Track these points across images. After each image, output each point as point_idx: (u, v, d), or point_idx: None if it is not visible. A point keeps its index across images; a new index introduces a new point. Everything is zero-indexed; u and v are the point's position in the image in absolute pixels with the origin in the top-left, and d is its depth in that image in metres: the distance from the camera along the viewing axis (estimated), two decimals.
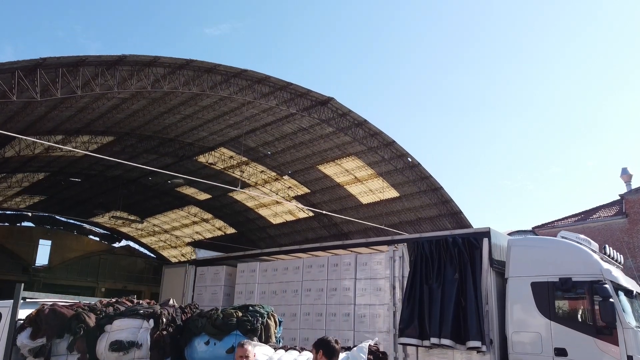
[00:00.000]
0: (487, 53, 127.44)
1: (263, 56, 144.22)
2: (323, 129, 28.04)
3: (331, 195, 35.30)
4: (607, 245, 13.43)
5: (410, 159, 29.76)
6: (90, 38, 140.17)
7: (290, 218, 39.02)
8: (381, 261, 17.54)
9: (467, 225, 31.90)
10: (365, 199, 34.48)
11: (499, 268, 14.67)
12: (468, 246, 15.60)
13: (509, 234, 36.47)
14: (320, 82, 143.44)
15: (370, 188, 33.37)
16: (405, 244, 17.04)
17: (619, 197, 43.85)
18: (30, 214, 46.69)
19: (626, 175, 47.44)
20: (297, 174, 33.97)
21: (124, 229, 49.11)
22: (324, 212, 29.66)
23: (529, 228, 47.23)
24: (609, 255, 13.13)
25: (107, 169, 35.43)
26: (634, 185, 46.66)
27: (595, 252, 13.26)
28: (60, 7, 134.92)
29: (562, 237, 13.55)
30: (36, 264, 46.30)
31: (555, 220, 46.06)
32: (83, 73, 17.33)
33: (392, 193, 32.91)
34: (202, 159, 33.33)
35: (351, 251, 17.62)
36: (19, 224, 46.71)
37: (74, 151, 30.61)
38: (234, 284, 20.96)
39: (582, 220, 44.02)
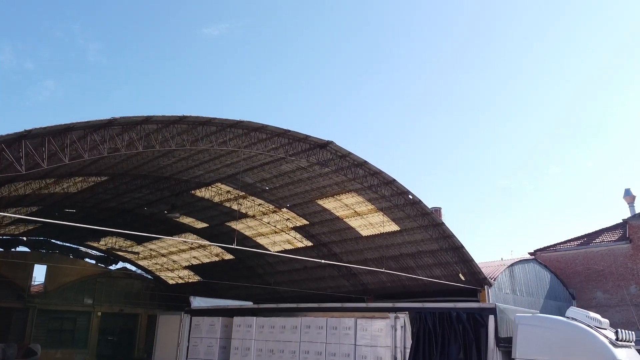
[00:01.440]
0: (487, 55, 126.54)
1: (263, 56, 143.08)
2: (322, 168, 27.38)
3: (330, 227, 34.68)
4: (619, 330, 12.85)
5: (411, 197, 29.12)
6: (88, 38, 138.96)
7: (289, 247, 38.37)
8: (382, 329, 16.90)
9: (469, 259, 31.30)
10: (365, 232, 33.85)
11: (506, 346, 14.03)
12: (473, 323, 14.93)
13: (512, 265, 35.89)
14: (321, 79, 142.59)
15: (370, 222, 32.74)
16: (407, 313, 16.40)
17: (622, 221, 43.27)
18: (24, 238, 46.00)
19: (629, 196, 46.81)
20: (295, 207, 33.33)
21: (121, 252, 48.43)
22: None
23: (531, 251, 46.76)
24: (621, 339, 12.58)
25: (101, 202, 34.76)
26: (637, 207, 46.02)
27: (606, 332, 12.71)
28: (58, 8, 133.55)
29: (572, 318, 13.01)
30: (31, 290, 45.62)
31: (557, 244, 45.55)
32: (71, 137, 16.59)
33: (393, 227, 32.28)
34: (198, 193, 32.67)
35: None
36: (13, 249, 45.97)
37: (67, 188, 29.94)
38: (230, 337, 20.37)
39: (584, 244, 43.46)
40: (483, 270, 33.39)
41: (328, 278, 39.08)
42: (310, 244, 36.95)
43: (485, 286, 32.08)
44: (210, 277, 46.63)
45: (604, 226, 43.40)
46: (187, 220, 38.25)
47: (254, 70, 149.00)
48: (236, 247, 23.28)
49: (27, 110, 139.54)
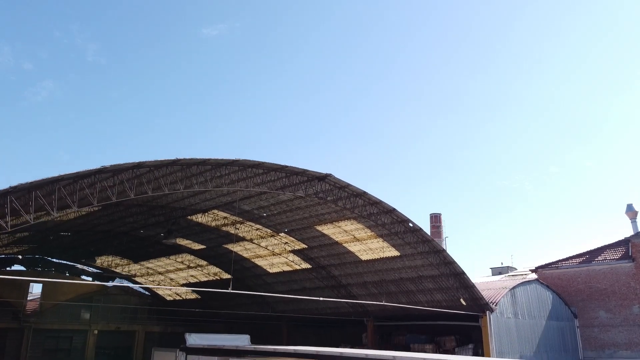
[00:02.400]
0: (487, 57, 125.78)
1: (261, 56, 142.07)
2: (320, 195, 26.77)
3: (329, 251, 34.11)
4: None
5: (411, 224, 28.54)
6: (87, 39, 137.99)
7: (287, 268, 37.81)
8: None
9: (470, 285, 30.75)
10: (364, 256, 33.28)
11: None
12: None
13: (513, 288, 35.27)
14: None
15: (369, 247, 32.17)
16: None
17: (624, 238, 42.75)
18: (20, 256, 45.37)
19: (631, 212, 46.26)
20: (293, 232, 32.75)
21: (118, 269, 47.84)
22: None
23: (533, 267, 46.24)
24: None
25: (96, 226, 34.14)
26: (639, 223, 45.45)
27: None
28: (57, 8, 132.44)
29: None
30: (27, 309, 45.01)
31: (559, 261, 45.00)
32: (59, 190, 15.97)
33: (393, 252, 31.72)
34: (194, 218, 32.06)
35: None
36: (8, 268, 45.33)
37: (60, 217, 29.31)
38: None
39: (586, 262, 42.91)
40: (484, 293, 32.87)
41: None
42: (308, 266, 36.40)
43: (487, 312, 31.59)
44: (209, 295, 46.11)
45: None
46: (184, 242, 37.65)
47: (253, 70, 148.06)
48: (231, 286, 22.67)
49: (25, 111, 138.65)
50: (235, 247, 36.47)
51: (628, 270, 40.05)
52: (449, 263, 30.61)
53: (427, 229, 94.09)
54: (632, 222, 45.37)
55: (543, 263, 45.07)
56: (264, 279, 40.37)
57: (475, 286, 30.91)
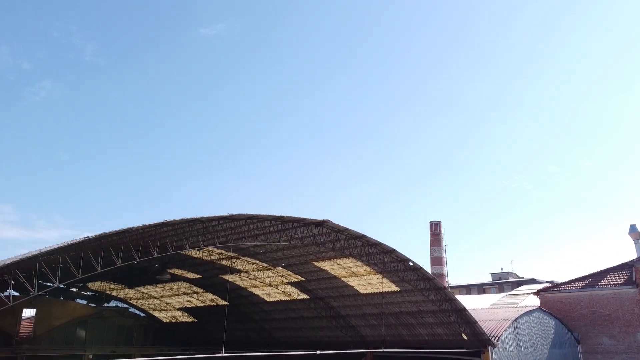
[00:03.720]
0: (486, 58, 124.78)
1: (259, 57, 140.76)
2: (317, 240, 25.94)
3: (327, 284, 33.35)
4: None
5: (412, 264, 27.77)
6: (85, 39, 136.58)
7: (285, 298, 37.03)
8: None
9: (471, 321, 30.01)
10: (363, 290, 32.52)
11: None
12: None
13: (516, 319, 34.52)
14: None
15: (368, 282, 31.41)
16: None
17: (628, 261, 42.02)
18: (13, 281, 44.44)
19: (635, 232, 45.47)
20: (290, 267, 31.96)
21: (114, 292, 47.02)
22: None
23: (535, 290, 45.52)
24: None
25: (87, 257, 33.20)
26: None
27: None
28: (55, 8, 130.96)
29: None
30: (20, 335, 44.17)
31: (562, 284, 44.29)
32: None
33: (392, 287, 30.96)
34: (189, 253, 31.21)
35: None
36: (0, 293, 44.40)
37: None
38: None
39: (590, 286, 42.15)
40: (486, 324, 32.14)
41: (325, 328, 37.73)
42: (306, 297, 35.62)
43: (489, 347, 30.87)
44: (205, 319, 45.34)
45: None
46: (179, 271, 36.82)
47: (250, 69, 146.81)
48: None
49: (25, 111, 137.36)
50: (231, 278, 35.67)
51: (632, 296, 39.31)
52: (450, 300, 29.86)
53: (426, 237, 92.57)
54: (635, 243, 44.64)
55: (546, 284, 44.37)
56: (261, 306, 39.60)
57: (477, 322, 30.18)
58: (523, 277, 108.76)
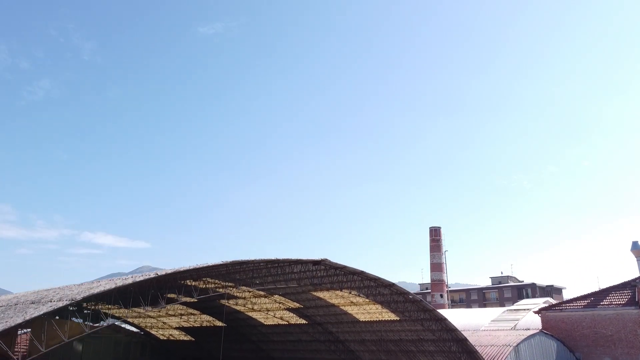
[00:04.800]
0: (484, 58, 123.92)
1: (257, 55, 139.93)
2: (314, 281, 25.36)
3: (326, 311, 32.77)
4: None
5: (411, 296, 27.18)
6: (83, 37, 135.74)
7: (283, 322, 36.45)
8: None
9: (472, 351, 29.47)
10: (362, 317, 31.95)
11: None
12: None
13: (517, 345, 33.98)
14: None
15: (367, 310, 30.83)
16: None
17: (630, 280, 41.50)
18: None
19: (637, 250, 44.91)
20: (288, 295, 31.36)
21: (110, 311, 46.35)
22: None
23: (536, 309, 44.99)
24: None
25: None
26: None
27: None
28: (53, 7, 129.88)
29: None
30: (14, 356, 43.53)
31: (563, 302, 43.74)
32: None
33: (392, 316, 30.39)
34: (186, 282, 30.57)
35: None
36: None
37: None
38: None
39: (591, 305, 41.59)
40: (487, 350, 31.65)
41: (324, 351, 37.18)
42: (305, 322, 35.05)
43: None
44: (203, 338, 44.82)
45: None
46: (173, 294, 36.15)
47: (249, 68, 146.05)
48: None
49: (23, 110, 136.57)
50: (229, 302, 35.09)
51: (635, 317, 38.79)
52: (451, 330, 29.30)
53: (426, 243, 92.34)
54: (637, 260, 44.04)
55: (548, 306, 43.89)
56: (259, 329, 39.06)
57: (477, 352, 29.65)
58: (523, 281, 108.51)
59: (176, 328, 45.65)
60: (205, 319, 41.28)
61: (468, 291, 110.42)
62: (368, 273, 24.83)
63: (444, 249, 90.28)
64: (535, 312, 43.80)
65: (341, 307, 31.27)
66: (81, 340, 45.98)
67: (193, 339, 45.83)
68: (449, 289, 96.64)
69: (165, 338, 48.87)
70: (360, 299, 29.61)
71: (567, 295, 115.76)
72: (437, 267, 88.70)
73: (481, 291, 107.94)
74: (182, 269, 18.45)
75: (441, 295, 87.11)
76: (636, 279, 40.11)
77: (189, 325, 43.65)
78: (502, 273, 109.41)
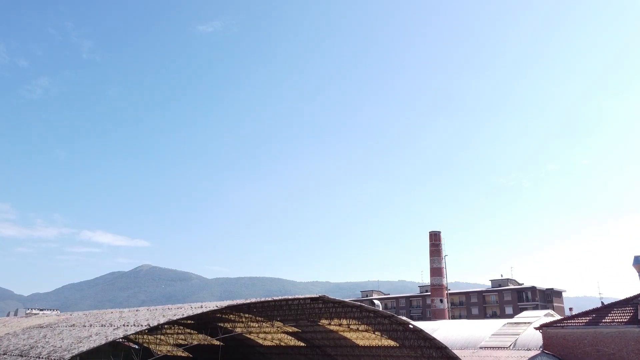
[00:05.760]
0: (484, 57, 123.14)
1: (255, 54, 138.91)
2: (313, 318, 24.87)
3: (324, 335, 32.28)
4: None
5: (412, 326, 26.69)
6: (81, 36, 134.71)
7: (281, 343, 36.00)
8: None
9: None
10: (361, 342, 31.47)
11: None
12: None
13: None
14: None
15: (366, 336, 30.34)
16: None
17: (632, 296, 41.08)
18: None
19: (638, 265, 44.50)
20: (286, 320, 30.82)
21: None
22: None
23: (538, 325, 44.55)
24: None
25: None
26: None
27: None
28: (51, 5, 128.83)
29: None
30: None
31: (565, 319, 43.28)
32: None
33: (391, 342, 29.91)
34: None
35: None
36: None
37: None
38: None
39: (593, 323, 41.11)
40: None
41: None
42: (303, 344, 34.59)
43: None
44: (201, 356, 44.42)
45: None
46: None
47: (247, 66, 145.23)
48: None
49: (22, 109, 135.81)
50: (225, 324, 34.62)
51: (637, 336, 38.30)
52: (452, 358, 28.82)
53: (426, 247, 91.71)
54: (639, 275, 43.64)
55: (548, 321, 43.40)
56: (257, 349, 38.61)
57: None
58: (523, 284, 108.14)
59: (174, 345, 45.21)
60: (202, 338, 40.84)
61: (468, 294, 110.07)
62: (366, 306, 24.35)
63: (443, 253, 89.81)
64: (536, 329, 43.36)
65: (339, 332, 30.80)
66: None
67: (191, 356, 45.41)
68: (449, 291, 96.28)
69: (162, 354, 48.44)
70: (359, 327, 29.13)
71: (567, 297, 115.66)
72: (437, 271, 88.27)
73: (481, 294, 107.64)
74: (185, 315, 17.99)
75: (441, 300, 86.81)
76: (637, 296, 39.67)
77: (185, 343, 43.20)
78: (502, 276, 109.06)
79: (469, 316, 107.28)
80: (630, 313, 39.93)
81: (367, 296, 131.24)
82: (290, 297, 21.11)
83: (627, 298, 41.11)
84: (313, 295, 22.09)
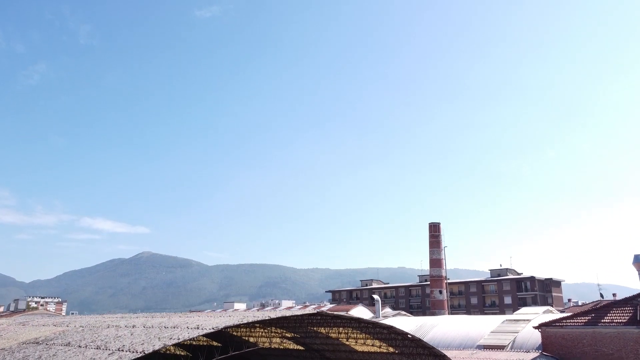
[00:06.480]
0: (484, 43, 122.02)
1: (253, 39, 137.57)
2: (311, 333, 24.74)
3: (323, 341, 32.21)
4: None
5: (410, 336, 26.58)
6: (79, 21, 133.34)
7: (280, 346, 36.01)
8: None
9: None
10: (360, 348, 31.41)
11: None
12: None
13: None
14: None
15: (365, 344, 30.26)
16: None
17: (631, 296, 41.07)
18: None
19: (639, 263, 44.43)
20: (285, 327, 30.80)
21: None
22: None
23: (536, 323, 44.60)
24: None
25: None
26: None
27: None
28: None
29: None
30: None
31: (563, 319, 43.31)
32: None
33: (390, 349, 29.85)
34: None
35: None
36: None
37: None
38: None
39: (592, 323, 41.14)
40: None
41: None
42: (301, 348, 34.58)
43: None
44: (197, 353, 44.50)
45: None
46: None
47: (245, 53, 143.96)
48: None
49: (19, 95, 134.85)
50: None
51: (636, 337, 38.34)
52: None
53: (425, 239, 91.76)
54: (639, 274, 43.58)
55: (548, 321, 43.40)
56: (256, 350, 38.63)
57: None
58: (522, 274, 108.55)
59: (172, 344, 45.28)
60: (202, 338, 40.87)
61: (467, 284, 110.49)
62: (365, 319, 24.22)
63: (443, 244, 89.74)
64: (535, 328, 43.43)
65: (338, 339, 30.74)
66: None
67: (190, 354, 45.53)
68: (448, 280, 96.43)
69: (162, 352, 48.62)
70: (358, 335, 29.07)
71: (565, 285, 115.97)
72: (436, 263, 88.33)
73: (480, 284, 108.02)
74: (180, 340, 17.83)
75: (440, 292, 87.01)
76: (637, 296, 39.64)
77: (184, 342, 43.29)
78: (501, 265, 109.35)
79: (468, 306, 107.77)
80: (630, 313, 39.93)
81: (366, 285, 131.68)
82: (288, 314, 20.96)
83: (626, 298, 41.12)
84: (311, 312, 21.94)
